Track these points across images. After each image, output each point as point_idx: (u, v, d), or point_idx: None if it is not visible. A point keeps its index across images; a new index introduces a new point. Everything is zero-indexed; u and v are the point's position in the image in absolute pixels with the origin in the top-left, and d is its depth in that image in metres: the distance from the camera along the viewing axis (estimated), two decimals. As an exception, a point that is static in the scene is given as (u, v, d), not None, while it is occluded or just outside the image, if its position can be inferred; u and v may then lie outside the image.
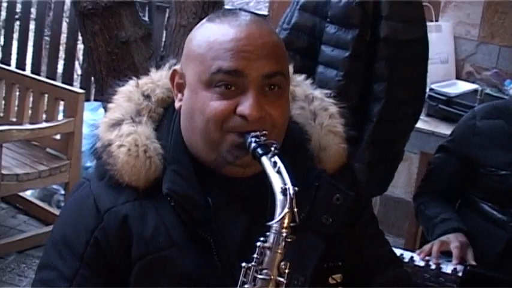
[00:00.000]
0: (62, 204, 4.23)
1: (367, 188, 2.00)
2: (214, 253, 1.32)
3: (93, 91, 5.06)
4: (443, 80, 3.72)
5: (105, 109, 3.14)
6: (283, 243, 1.21)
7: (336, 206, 1.40)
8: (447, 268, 2.12)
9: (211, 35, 1.34)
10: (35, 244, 3.90)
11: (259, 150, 1.26)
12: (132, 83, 1.46)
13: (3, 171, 3.67)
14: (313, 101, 1.50)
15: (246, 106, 1.29)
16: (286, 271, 1.21)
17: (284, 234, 1.20)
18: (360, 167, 2.32)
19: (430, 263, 2.15)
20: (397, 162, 2.59)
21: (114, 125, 1.39)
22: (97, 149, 1.40)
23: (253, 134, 1.28)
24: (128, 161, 1.34)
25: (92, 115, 4.30)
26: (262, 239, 1.22)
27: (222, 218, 1.36)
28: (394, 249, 1.60)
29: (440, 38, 3.80)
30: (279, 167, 1.24)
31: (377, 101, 2.36)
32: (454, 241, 2.23)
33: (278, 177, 1.23)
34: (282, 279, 1.21)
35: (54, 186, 4.34)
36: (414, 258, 2.16)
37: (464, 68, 3.90)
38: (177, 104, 1.40)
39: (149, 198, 1.35)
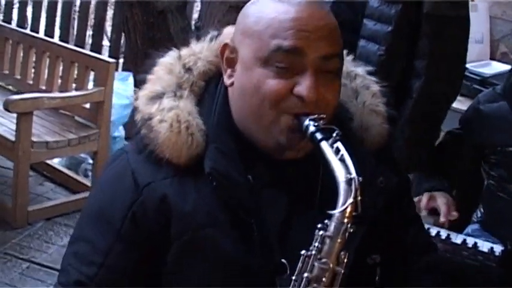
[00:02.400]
0: (90, 173, 4.25)
1: (404, 166, 1.99)
2: (255, 235, 1.29)
3: (121, 61, 5.07)
4: (477, 60, 3.68)
5: (136, 79, 3.13)
6: (344, 233, 1.20)
7: (380, 189, 1.37)
8: (483, 246, 2.12)
9: (270, 12, 1.31)
10: (62, 212, 3.94)
11: (319, 135, 1.24)
12: (173, 54, 1.43)
13: (33, 139, 3.70)
14: (356, 79, 1.48)
15: (304, 87, 1.27)
16: (345, 261, 1.20)
17: (346, 225, 1.19)
18: (398, 145, 2.30)
19: (467, 241, 2.15)
20: (434, 140, 2.58)
21: (155, 98, 1.36)
22: (136, 122, 1.37)
23: (311, 117, 1.26)
24: (170, 137, 1.32)
25: (121, 85, 4.31)
26: (320, 226, 1.21)
27: (263, 199, 1.33)
28: (430, 226, 1.62)
29: (476, 18, 3.73)
30: (342, 155, 1.22)
31: (418, 77, 2.33)
32: (440, 197, 2.33)
33: (341, 165, 1.21)
34: (339, 269, 1.20)
35: (82, 155, 4.36)
36: (451, 236, 2.16)
37: (499, 48, 3.86)
38: (227, 80, 1.37)
39: (189, 175, 1.32)
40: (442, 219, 2.29)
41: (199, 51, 1.43)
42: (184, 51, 1.43)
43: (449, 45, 2.36)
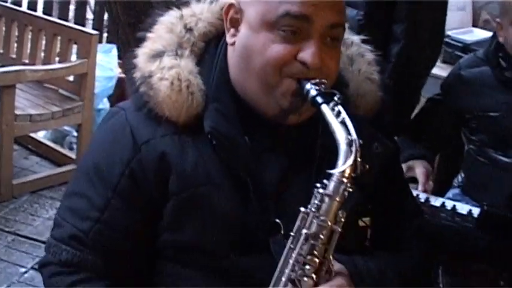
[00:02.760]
0: (74, 146, 4.24)
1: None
2: (252, 194, 1.31)
3: (105, 34, 5.04)
4: (459, 27, 3.70)
5: (119, 50, 3.11)
6: (343, 193, 1.22)
7: (375, 154, 1.38)
8: (462, 209, 2.15)
9: None
10: (47, 185, 3.93)
11: (320, 98, 1.26)
12: (174, 14, 1.42)
13: (17, 112, 3.69)
14: (351, 47, 1.50)
15: (308, 53, 1.28)
16: (342, 220, 1.23)
17: (345, 184, 1.22)
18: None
19: (446, 204, 2.17)
20: (413, 105, 2.59)
21: (155, 57, 1.37)
22: (135, 80, 1.37)
23: (313, 81, 1.28)
24: (170, 95, 1.32)
25: (105, 57, 4.28)
26: (319, 185, 1.23)
27: (261, 160, 1.35)
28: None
29: (458, -15, 3.76)
30: (343, 118, 1.24)
31: (396, 42, 2.34)
32: (419, 167, 2.37)
33: (341, 128, 1.23)
34: (337, 228, 1.23)
35: (67, 128, 4.35)
36: (430, 199, 2.18)
37: (481, 16, 3.87)
38: (229, 39, 1.37)
39: (188, 134, 1.34)
40: (420, 187, 2.33)
41: (200, 12, 1.43)
42: (185, 11, 1.43)
43: (427, 10, 2.36)
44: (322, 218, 1.22)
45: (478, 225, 1.96)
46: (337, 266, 1.29)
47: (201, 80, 1.35)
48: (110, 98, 4.37)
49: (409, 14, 2.33)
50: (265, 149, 1.37)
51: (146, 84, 1.35)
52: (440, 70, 3.35)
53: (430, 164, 2.46)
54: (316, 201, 1.23)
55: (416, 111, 2.66)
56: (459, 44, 3.46)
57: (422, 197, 2.19)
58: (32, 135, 4.28)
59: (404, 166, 2.39)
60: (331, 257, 1.25)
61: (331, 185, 1.22)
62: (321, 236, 1.22)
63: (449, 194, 2.63)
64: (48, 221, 3.56)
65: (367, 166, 1.23)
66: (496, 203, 2.30)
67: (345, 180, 1.21)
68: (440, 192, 2.63)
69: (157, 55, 1.37)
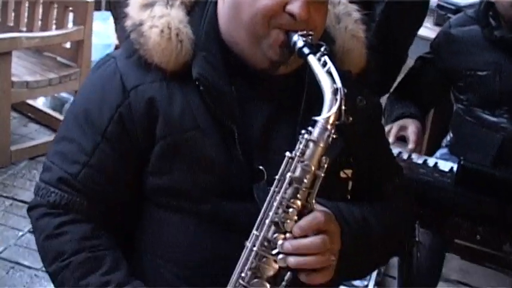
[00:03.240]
0: (73, 113, 4.27)
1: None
2: (237, 141, 1.34)
3: (103, 1, 5.05)
4: (453, -11, 3.67)
5: (114, 17, 3.12)
6: (327, 139, 1.25)
7: (358, 108, 1.41)
8: (445, 166, 2.16)
9: None
10: (46, 151, 3.89)
11: (306, 49, 1.28)
12: None
13: (13, 79, 3.71)
14: (338, 5, 1.52)
15: (296, 5, 1.30)
16: (325, 166, 1.25)
17: (329, 131, 1.24)
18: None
19: (428, 161, 2.19)
20: (399, 65, 2.59)
21: (147, 6, 1.39)
22: (126, 28, 1.40)
23: (300, 32, 1.30)
24: (160, 43, 1.35)
25: (102, 25, 4.30)
26: (304, 131, 1.26)
27: (247, 109, 1.38)
28: (392, 147, 1.67)
29: None
30: (329, 68, 1.27)
31: (380, 2, 2.34)
32: (411, 126, 2.38)
33: (327, 77, 1.26)
34: (320, 173, 1.26)
35: (65, 95, 4.38)
36: (412, 157, 2.19)
37: (475, -22, 3.83)
38: None
39: (177, 81, 1.36)
40: (410, 146, 2.33)
41: None
42: None
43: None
44: (306, 162, 1.25)
45: (456, 180, 1.97)
46: (320, 209, 1.31)
47: (190, 30, 1.38)
48: (107, 65, 4.38)
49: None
50: (251, 99, 1.40)
51: (137, 31, 1.38)
52: (432, 32, 3.33)
53: (421, 124, 2.47)
54: (301, 147, 1.25)
55: (404, 72, 2.66)
56: (452, 7, 3.45)
57: (405, 155, 2.20)
58: (31, 102, 4.31)
59: (395, 125, 2.41)
60: (313, 201, 1.27)
61: (316, 131, 1.25)
62: (305, 180, 1.25)
63: (437, 154, 2.64)
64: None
65: (351, 118, 1.26)
66: (482, 162, 2.31)
67: (329, 127, 1.24)
68: (429, 152, 2.65)
69: (149, 4, 1.39)
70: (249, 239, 1.27)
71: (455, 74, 2.51)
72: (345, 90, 1.25)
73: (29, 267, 3.07)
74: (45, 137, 4.15)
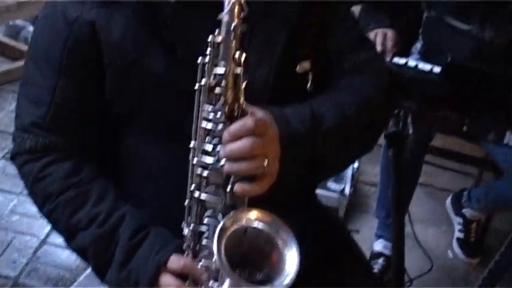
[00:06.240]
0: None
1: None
2: (179, 53, 1.34)
3: None
4: None
5: None
6: (235, 34, 1.20)
7: None
8: (424, 67, 2.25)
9: None
10: (7, 79, 3.94)
11: None
12: None
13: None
14: None
15: None
16: (242, 59, 1.21)
17: (234, 25, 1.19)
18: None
19: (409, 63, 2.27)
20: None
21: None
22: None
23: None
24: None
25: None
26: (213, 35, 1.21)
27: (185, 20, 1.36)
28: None
29: None
30: None
31: None
32: (389, 33, 2.45)
33: None
34: (239, 70, 1.21)
35: (21, 22, 4.30)
36: (394, 58, 2.27)
37: None
38: None
39: (113, 4, 1.35)
40: (378, 48, 2.37)
41: None
42: None
43: None
44: (221, 63, 1.20)
45: (442, 75, 2.05)
46: (260, 111, 1.25)
47: None
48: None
49: None
50: (186, 7, 1.36)
51: None
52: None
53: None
54: (211, 49, 1.21)
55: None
56: None
57: (388, 57, 2.27)
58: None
59: (380, 34, 2.46)
60: (242, 100, 1.22)
61: (223, 30, 1.20)
62: (224, 82, 1.20)
63: (409, 60, 2.72)
64: (12, 113, 3.50)
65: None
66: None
67: (234, 20, 1.19)
68: (400, 59, 2.72)
69: None
70: (190, 152, 1.25)
71: None
72: None
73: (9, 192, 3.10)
74: (4, 65, 4.08)
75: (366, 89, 1.46)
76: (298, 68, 1.40)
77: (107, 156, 1.47)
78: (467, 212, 3.09)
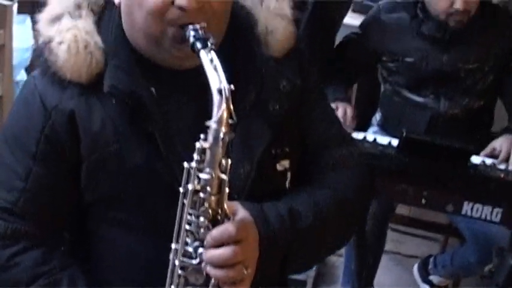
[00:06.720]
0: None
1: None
2: (160, 146, 1.32)
3: (15, 6, 4.96)
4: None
5: (33, 20, 3.11)
6: (222, 142, 1.20)
7: (283, 94, 1.40)
8: (382, 140, 2.31)
9: None
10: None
11: (198, 44, 1.23)
12: None
13: None
14: None
15: None
16: (228, 167, 1.21)
17: (222, 134, 1.20)
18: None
19: (367, 137, 2.33)
20: (329, 53, 2.73)
21: (54, 20, 1.37)
22: (39, 45, 1.38)
23: (191, 26, 1.25)
24: (69, 59, 1.33)
25: (20, 28, 4.24)
26: (202, 137, 1.21)
27: (167, 110, 1.36)
28: None
29: None
30: (215, 64, 1.21)
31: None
32: (341, 108, 2.53)
33: (215, 75, 1.20)
34: (224, 176, 1.22)
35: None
36: (352, 134, 2.33)
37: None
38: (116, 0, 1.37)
39: (94, 94, 1.34)
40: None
41: None
42: None
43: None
44: (206, 170, 1.21)
45: (399, 148, 2.12)
46: (241, 213, 1.28)
47: (99, 39, 1.36)
48: (27, 69, 4.34)
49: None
50: (175, 97, 1.37)
51: (47, 49, 1.35)
52: (351, 19, 3.50)
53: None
54: (197, 155, 1.21)
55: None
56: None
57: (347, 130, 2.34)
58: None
59: (341, 108, 2.52)
60: (225, 206, 1.23)
61: (210, 136, 1.20)
62: (209, 188, 1.21)
63: (370, 131, 2.79)
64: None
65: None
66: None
67: (222, 129, 1.19)
68: (360, 130, 2.80)
69: (56, 18, 1.37)
70: (171, 252, 1.25)
71: (384, 57, 2.65)
72: (231, 87, 1.19)
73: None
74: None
75: (344, 187, 1.47)
76: (278, 167, 1.42)
77: (79, 240, 1.44)
78: (434, 278, 3.12)
